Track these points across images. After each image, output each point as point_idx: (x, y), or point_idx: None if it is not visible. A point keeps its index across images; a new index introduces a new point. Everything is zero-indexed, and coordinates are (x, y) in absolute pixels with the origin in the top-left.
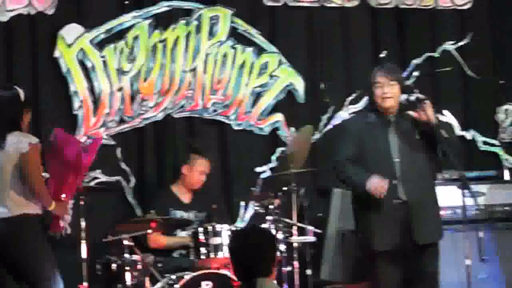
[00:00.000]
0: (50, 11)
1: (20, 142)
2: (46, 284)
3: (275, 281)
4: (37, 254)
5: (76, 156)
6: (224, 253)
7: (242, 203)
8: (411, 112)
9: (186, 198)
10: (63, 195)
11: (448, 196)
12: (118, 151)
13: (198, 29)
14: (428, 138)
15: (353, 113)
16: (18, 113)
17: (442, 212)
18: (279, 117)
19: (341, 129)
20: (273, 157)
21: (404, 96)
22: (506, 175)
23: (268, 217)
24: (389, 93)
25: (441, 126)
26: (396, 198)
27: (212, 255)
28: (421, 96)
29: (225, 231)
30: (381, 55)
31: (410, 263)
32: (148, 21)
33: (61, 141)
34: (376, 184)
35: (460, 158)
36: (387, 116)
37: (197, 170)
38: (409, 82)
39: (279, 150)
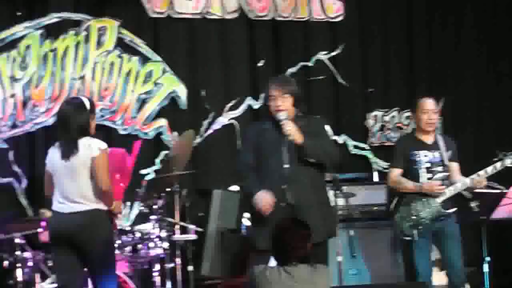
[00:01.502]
0: None
1: (91, 147)
2: (113, 271)
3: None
4: (108, 245)
5: (121, 159)
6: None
7: (128, 203)
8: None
9: None
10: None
11: None
12: (11, 154)
13: (87, 39)
14: None
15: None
16: (86, 121)
17: None
18: (163, 122)
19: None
20: (157, 160)
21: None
22: (375, 177)
23: (152, 217)
24: (282, 105)
25: (306, 149)
26: (284, 201)
27: None
28: (281, 116)
29: None
30: (259, 64)
31: None
32: (39, 31)
33: None
34: (261, 204)
35: (337, 164)
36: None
37: None
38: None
39: (163, 153)
